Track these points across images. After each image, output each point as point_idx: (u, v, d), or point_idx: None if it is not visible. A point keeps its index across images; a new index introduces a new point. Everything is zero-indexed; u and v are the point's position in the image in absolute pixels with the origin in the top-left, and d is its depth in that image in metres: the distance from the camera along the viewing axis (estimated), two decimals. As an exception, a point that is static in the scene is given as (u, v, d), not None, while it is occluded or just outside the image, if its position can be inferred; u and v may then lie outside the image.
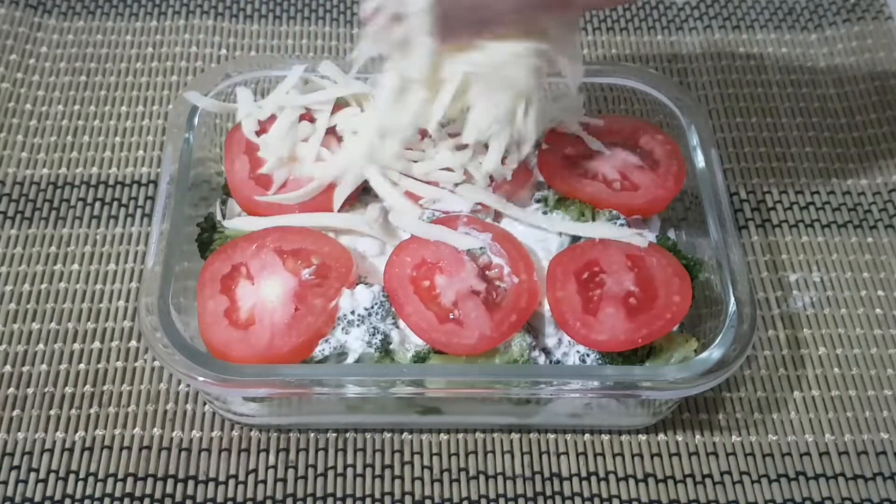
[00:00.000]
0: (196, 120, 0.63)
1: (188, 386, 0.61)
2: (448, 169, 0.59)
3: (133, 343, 0.63)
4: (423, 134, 0.59)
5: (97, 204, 0.70)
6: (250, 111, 0.61)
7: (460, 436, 0.60)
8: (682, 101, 0.65)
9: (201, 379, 0.51)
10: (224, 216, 0.61)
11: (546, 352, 0.56)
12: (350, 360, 0.55)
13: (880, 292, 0.69)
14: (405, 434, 0.60)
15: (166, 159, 0.60)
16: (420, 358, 0.55)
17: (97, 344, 0.63)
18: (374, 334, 0.55)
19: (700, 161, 0.63)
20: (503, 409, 0.59)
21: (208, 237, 0.60)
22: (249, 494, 0.57)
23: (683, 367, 0.53)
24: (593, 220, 0.60)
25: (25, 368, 0.62)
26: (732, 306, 0.56)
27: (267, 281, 0.56)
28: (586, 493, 0.58)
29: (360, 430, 0.60)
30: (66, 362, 0.62)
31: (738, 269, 0.57)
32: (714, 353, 0.54)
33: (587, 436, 0.60)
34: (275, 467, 0.58)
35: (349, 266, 0.56)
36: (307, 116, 0.63)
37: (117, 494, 0.57)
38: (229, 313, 0.55)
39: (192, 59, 0.79)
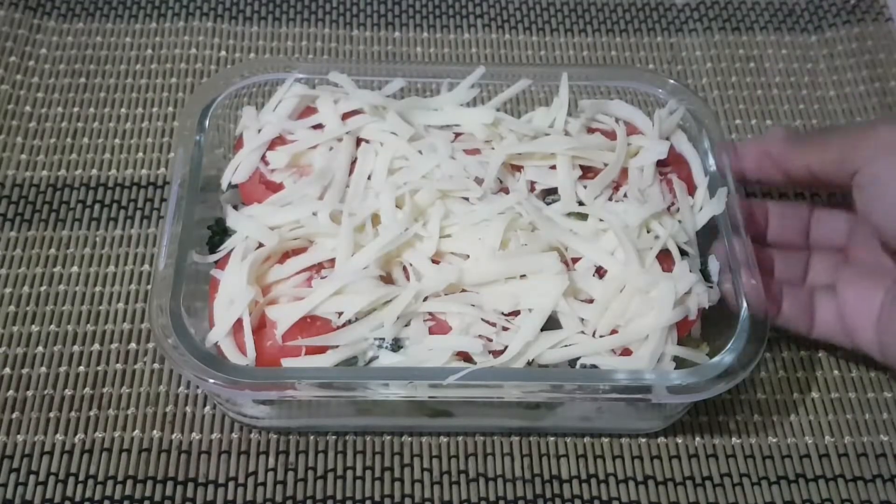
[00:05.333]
0: (207, 122, 0.63)
1: (188, 388, 0.61)
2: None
3: (133, 345, 0.63)
4: None
5: (96, 206, 0.70)
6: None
7: (460, 438, 0.60)
8: (693, 107, 0.65)
9: (212, 381, 0.51)
10: None
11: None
12: (361, 361, 0.55)
13: (880, 294, 0.69)
14: (405, 437, 0.60)
15: (177, 162, 0.60)
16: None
17: (97, 346, 0.63)
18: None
19: (711, 165, 0.63)
20: (514, 412, 0.59)
21: (219, 240, 0.59)
22: (249, 497, 0.57)
23: (695, 371, 0.53)
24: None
25: (25, 371, 0.62)
26: (744, 311, 0.55)
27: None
28: (586, 496, 0.58)
29: (360, 433, 0.60)
30: (65, 364, 0.62)
31: (751, 274, 0.57)
32: (725, 357, 0.54)
33: (587, 438, 0.60)
34: (274, 469, 0.58)
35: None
36: (314, 110, 0.63)
37: (117, 497, 0.57)
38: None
39: (191, 60, 0.79)
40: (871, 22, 0.85)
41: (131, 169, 0.72)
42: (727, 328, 0.56)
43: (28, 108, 0.75)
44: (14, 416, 0.60)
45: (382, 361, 0.54)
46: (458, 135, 0.63)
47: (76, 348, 0.63)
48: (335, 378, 0.53)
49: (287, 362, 0.53)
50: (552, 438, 0.60)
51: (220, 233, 0.60)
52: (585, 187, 0.60)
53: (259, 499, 0.57)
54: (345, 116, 0.62)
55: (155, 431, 0.59)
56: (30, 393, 0.61)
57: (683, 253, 0.58)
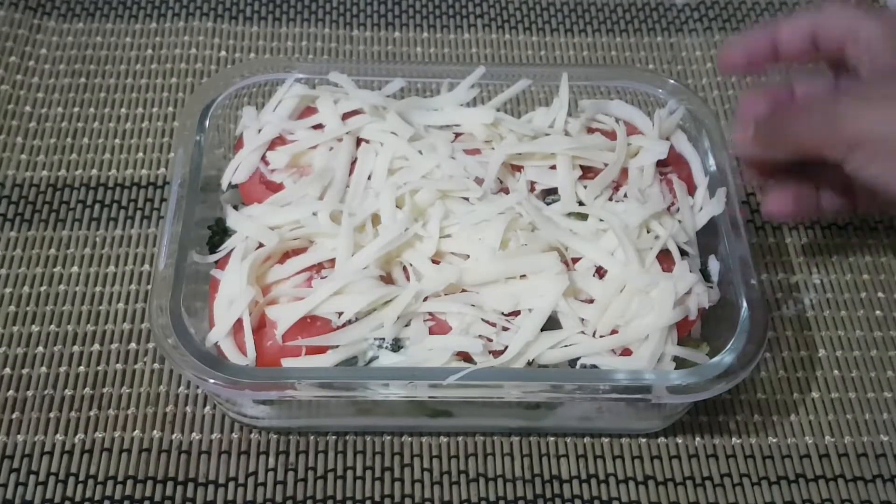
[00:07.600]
0: (207, 122, 0.63)
1: (188, 388, 0.61)
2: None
3: (133, 345, 0.63)
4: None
5: (96, 206, 0.70)
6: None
7: (460, 438, 0.60)
8: (693, 107, 0.65)
9: (212, 381, 0.51)
10: None
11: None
12: (361, 361, 0.55)
13: (880, 294, 0.69)
14: (405, 437, 0.60)
15: (178, 162, 0.60)
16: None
17: (97, 346, 0.63)
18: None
19: (711, 164, 0.63)
20: (514, 412, 0.59)
21: (219, 240, 0.59)
22: (249, 497, 0.57)
23: (695, 371, 0.53)
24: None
25: (25, 371, 0.62)
26: (745, 311, 0.56)
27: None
28: (586, 496, 0.58)
29: (360, 433, 0.60)
30: (65, 365, 0.62)
31: (750, 273, 0.57)
32: (725, 357, 0.54)
33: (587, 438, 0.60)
34: (274, 470, 0.58)
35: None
36: (314, 110, 0.63)
37: (117, 497, 0.57)
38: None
39: (191, 60, 0.79)
40: (871, 22, 0.85)
41: (131, 169, 0.72)
42: (727, 328, 0.56)
43: (28, 108, 0.75)
44: (14, 416, 0.60)
45: (382, 361, 0.54)
46: (458, 135, 0.63)
47: (76, 348, 0.63)
48: (335, 378, 0.53)
49: (287, 362, 0.54)
50: (552, 438, 0.60)
51: (220, 233, 0.60)
52: (585, 187, 0.60)
53: (259, 499, 0.57)
54: (345, 116, 0.62)
55: (155, 431, 0.59)
56: (30, 393, 0.61)
57: (683, 253, 0.58)
